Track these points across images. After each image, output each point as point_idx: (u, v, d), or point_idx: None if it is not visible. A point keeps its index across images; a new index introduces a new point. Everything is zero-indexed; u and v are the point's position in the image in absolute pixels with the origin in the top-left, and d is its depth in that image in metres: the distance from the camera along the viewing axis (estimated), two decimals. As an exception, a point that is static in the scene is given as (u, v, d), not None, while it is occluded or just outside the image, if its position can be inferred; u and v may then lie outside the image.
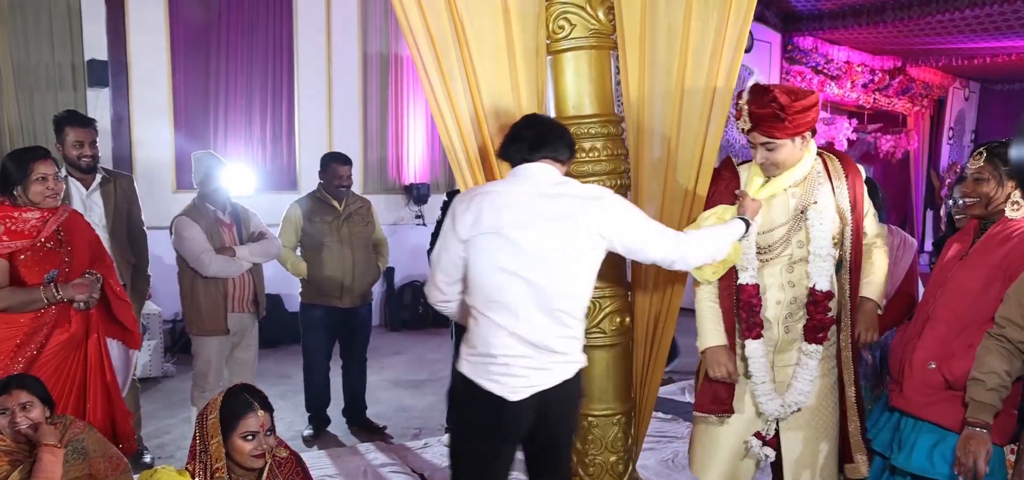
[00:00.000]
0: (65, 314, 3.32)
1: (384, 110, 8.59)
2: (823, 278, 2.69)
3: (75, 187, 4.15)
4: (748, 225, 2.68)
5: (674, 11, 2.83)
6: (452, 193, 4.97)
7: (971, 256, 2.59)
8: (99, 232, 4.13)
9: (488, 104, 2.93)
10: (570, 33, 2.88)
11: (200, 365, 4.32)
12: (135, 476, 2.80)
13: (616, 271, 2.94)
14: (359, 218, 4.87)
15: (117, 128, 6.99)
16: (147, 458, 4.39)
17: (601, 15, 2.88)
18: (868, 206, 2.81)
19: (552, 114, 2.96)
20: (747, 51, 10.67)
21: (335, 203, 4.82)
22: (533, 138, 2.56)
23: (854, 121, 12.34)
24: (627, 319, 2.97)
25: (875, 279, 2.83)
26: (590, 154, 2.88)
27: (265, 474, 2.64)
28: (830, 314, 2.73)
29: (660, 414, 5.25)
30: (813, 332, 2.73)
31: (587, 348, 2.80)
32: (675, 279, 2.93)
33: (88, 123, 4.23)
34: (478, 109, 2.93)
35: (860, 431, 2.82)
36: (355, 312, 4.89)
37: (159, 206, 5.87)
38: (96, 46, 6.83)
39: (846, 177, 2.77)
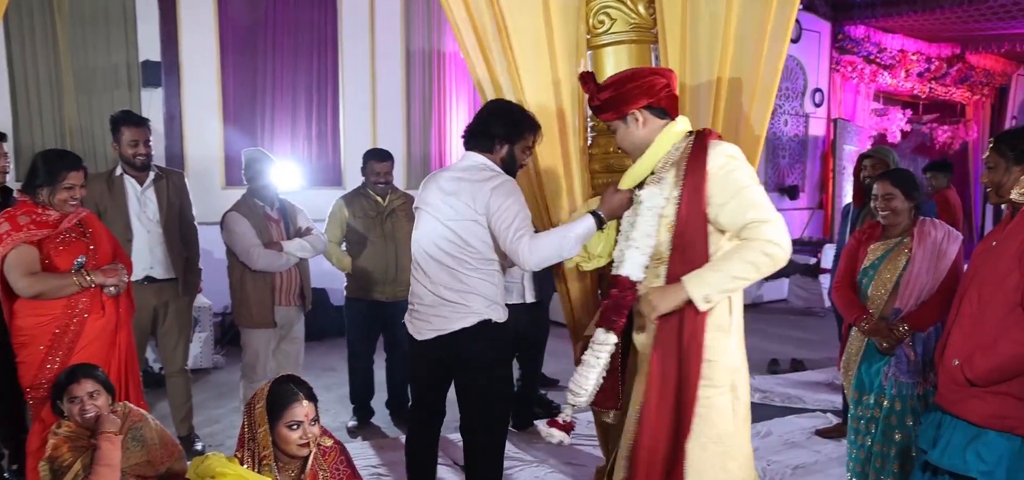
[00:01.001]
0: (97, 302, 3.40)
1: (427, 105, 8.66)
2: (629, 266, 2.55)
3: (130, 184, 4.27)
4: (601, 220, 2.73)
5: (716, 0, 2.81)
6: None
7: (998, 246, 2.53)
8: (152, 227, 4.27)
9: (531, 99, 2.95)
10: (610, 28, 2.89)
11: (248, 356, 4.42)
12: (187, 462, 2.88)
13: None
14: (402, 213, 4.93)
15: (169, 127, 7.17)
16: (198, 446, 4.50)
17: (641, 9, 2.88)
18: (730, 197, 2.45)
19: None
20: (794, 41, 10.51)
21: (378, 199, 4.89)
22: (467, 133, 3.04)
23: (908, 112, 12.02)
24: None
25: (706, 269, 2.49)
26: (630, 148, 2.87)
27: (310, 462, 2.70)
28: (626, 302, 2.58)
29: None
30: (604, 316, 2.59)
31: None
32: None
33: (143, 122, 4.34)
34: (522, 103, 2.95)
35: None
36: (398, 305, 4.94)
37: (209, 202, 6.01)
38: (150, 47, 7.01)
39: (688, 162, 2.52)
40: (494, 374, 3.17)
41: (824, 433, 4.83)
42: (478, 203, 2.89)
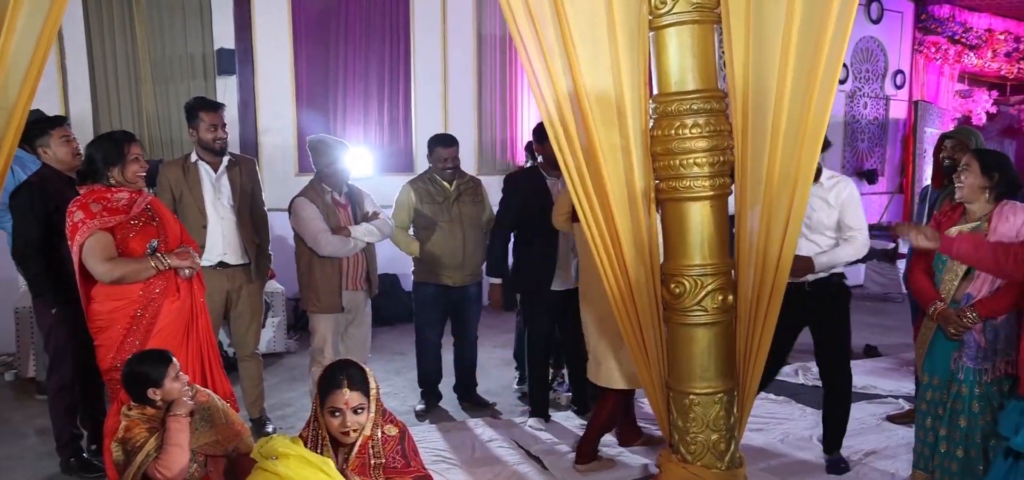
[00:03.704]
0: (172, 285, 3.48)
1: (498, 91, 8.67)
2: None
3: (205, 170, 4.37)
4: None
5: (780, -21, 2.73)
6: (511, 177, 5.06)
7: None
8: (226, 213, 4.37)
9: (589, 83, 2.92)
10: (673, 8, 2.82)
11: (316, 341, 4.50)
12: (255, 443, 2.96)
13: (718, 248, 2.89)
14: (469, 198, 4.94)
15: (243, 114, 7.36)
16: (269, 428, 4.61)
17: (704, -12, 2.81)
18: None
19: (654, 91, 2.93)
20: (876, 22, 10.21)
21: (445, 184, 4.91)
22: None
23: (994, 93, 11.58)
24: (730, 297, 2.92)
25: None
26: (693, 130, 2.81)
27: (356, 449, 2.75)
28: None
29: (772, 395, 5.14)
30: None
31: (688, 326, 2.87)
32: (781, 256, 2.85)
33: (219, 106, 4.43)
34: (579, 88, 2.92)
35: None
36: (466, 290, 4.98)
37: (282, 189, 6.14)
38: (224, 36, 7.21)
39: None
40: None
41: (895, 419, 4.77)
42: None
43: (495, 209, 4.98)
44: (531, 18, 2.90)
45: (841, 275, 3.94)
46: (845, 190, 3.79)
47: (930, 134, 10.54)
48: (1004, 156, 3.31)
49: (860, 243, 3.78)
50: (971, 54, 10.96)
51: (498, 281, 4.79)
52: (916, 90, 10.86)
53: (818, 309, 3.89)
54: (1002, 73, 11.44)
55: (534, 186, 4.64)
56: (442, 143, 4.95)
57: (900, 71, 10.63)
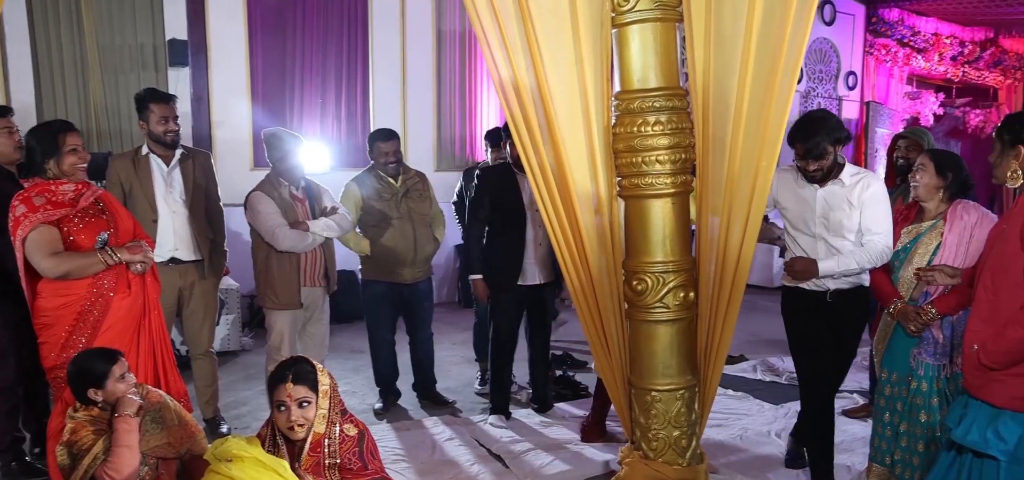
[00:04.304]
0: (123, 280, 3.37)
1: (457, 87, 8.63)
2: None
3: (156, 164, 4.27)
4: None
5: (742, -21, 2.75)
6: (470, 170, 5.03)
7: (1006, 230, 2.52)
8: (178, 208, 4.26)
9: (553, 79, 2.91)
10: (635, 5, 2.82)
11: (273, 339, 4.42)
12: (209, 444, 2.90)
13: (680, 245, 2.90)
14: (417, 194, 4.89)
15: (197, 107, 7.20)
16: (224, 428, 4.52)
17: (666, -14, 2.81)
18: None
19: (616, 87, 2.92)
20: (828, 24, 10.38)
21: (391, 180, 4.84)
22: None
23: (941, 95, 11.91)
24: (691, 294, 2.93)
25: None
26: (655, 128, 2.82)
27: (308, 447, 2.71)
28: None
29: (730, 391, 5.19)
30: None
31: (650, 323, 2.88)
32: (741, 253, 2.87)
33: (170, 98, 4.32)
34: (542, 83, 2.91)
35: None
36: (416, 286, 4.93)
37: (237, 183, 6.02)
38: (176, 26, 7.02)
39: None
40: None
41: (850, 413, 4.81)
42: None
43: (440, 205, 5.00)
44: (494, 14, 2.88)
45: (863, 286, 3.53)
46: (869, 188, 3.41)
47: (881, 134, 10.78)
48: (957, 157, 3.39)
49: (877, 250, 3.35)
50: (919, 57, 11.25)
51: (479, 277, 4.72)
52: (867, 91, 11.10)
53: (837, 323, 3.53)
54: (948, 76, 11.77)
55: (504, 182, 4.63)
56: (382, 138, 4.89)
57: (852, 72, 10.84)
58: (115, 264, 3.33)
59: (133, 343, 3.38)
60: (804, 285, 3.52)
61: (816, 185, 3.47)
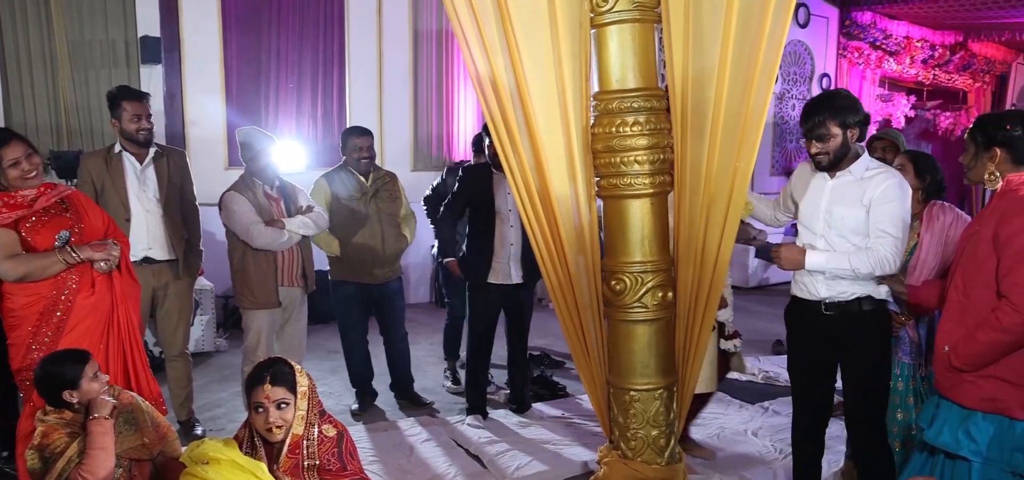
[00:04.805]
0: (87, 279, 3.31)
1: (434, 87, 8.60)
2: None
3: (129, 162, 4.22)
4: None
5: (720, -19, 2.76)
6: (455, 167, 5.05)
7: (978, 231, 2.55)
8: (152, 207, 4.21)
9: (532, 79, 2.90)
10: (614, 6, 2.83)
11: (250, 339, 4.39)
12: (184, 448, 2.86)
13: (658, 245, 2.91)
14: (387, 193, 4.87)
15: (170, 105, 7.10)
16: (198, 430, 4.48)
17: (645, -14, 2.82)
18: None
19: (595, 88, 2.93)
20: (803, 27, 10.50)
21: (361, 177, 4.82)
22: None
23: (912, 98, 12.09)
24: (669, 294, 2.94)
25: None
26: (633, 128, 2.82)
27: (287, 448, 2.69)
28: None
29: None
30: None
31: (628, 322, 2.89)
32: (719, 253, 2.88)
33: (143, 96, 4.27)
34: (521, 83, 2.90)
35: None
36: (386, 286, 4.91)
37: (211, 182, 5.95)
38: (149, 23, 6.92)
39: None
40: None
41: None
42: None
43: (410, 205, 5.04)
44: (473, 13, 2.87)
45: (871, 299, 3.10)
46: (881, 184, 2.99)
47: (854, 136, 10.91)
48: (933, 159, 3.44)
49: (878, 256, 2.96)
50: (891, 60, 11.39)
51: (452, 258, 4.83)
52: (840, 93, 11.21)
53: (842, 341, 3.15)
54: (919, 79, 11.93)
55: (481, 181, 4.63)
56: (357, 133, 4.88)
57: (826, 74, 10.97)
58: (77, 263, 3.27)
59: (101, 343, 3.32)
60: (798, 293, 3.24)
61: (826, 175, 3.12)
